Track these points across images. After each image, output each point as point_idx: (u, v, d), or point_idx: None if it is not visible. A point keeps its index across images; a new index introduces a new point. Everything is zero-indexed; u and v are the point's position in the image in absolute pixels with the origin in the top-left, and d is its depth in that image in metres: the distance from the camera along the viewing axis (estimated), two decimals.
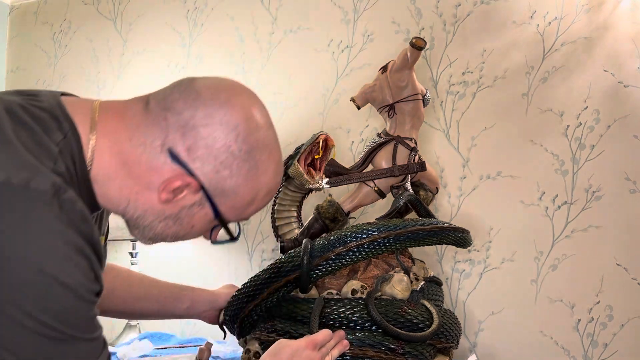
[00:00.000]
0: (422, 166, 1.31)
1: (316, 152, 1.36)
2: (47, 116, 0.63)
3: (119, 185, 0.67)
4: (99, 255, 0.61)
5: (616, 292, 1.41)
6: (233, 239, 0.76)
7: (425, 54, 1.64)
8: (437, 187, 1.41)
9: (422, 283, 1.15)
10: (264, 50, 1.84)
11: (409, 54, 1.29)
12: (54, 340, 0.53)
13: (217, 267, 1.84)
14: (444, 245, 1.57)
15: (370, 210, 1.63)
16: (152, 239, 0.73)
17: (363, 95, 1.43)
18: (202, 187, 0.67)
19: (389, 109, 1.37)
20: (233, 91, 0.70)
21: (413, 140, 1.34)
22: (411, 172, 1.31)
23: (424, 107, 1.38)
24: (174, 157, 0.65)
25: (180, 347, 1.50)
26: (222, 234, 0.76)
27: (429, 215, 1.25)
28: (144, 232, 0.72)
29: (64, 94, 0.71)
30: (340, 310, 1.03)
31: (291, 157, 1.34)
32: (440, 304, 1.17)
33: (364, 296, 1.07)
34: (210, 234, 0.76)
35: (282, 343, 0.91)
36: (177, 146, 0.66)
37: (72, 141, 0.63)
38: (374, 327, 1.01)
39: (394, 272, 1.14)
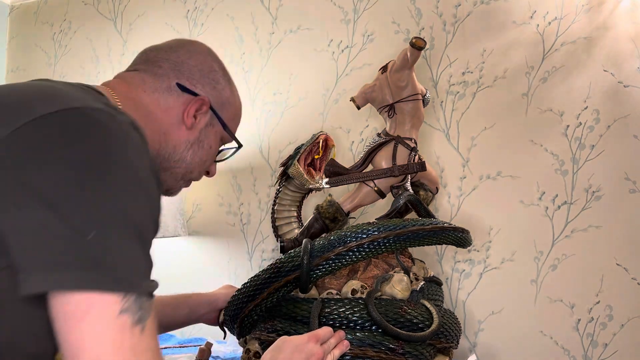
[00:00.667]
0: (422, 166, 1.31)
1: (316, 152, 1.36)
2: (87, 88, 0.73)
3: (149, 134, 0.75)
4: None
5: (616, 292, 1.41)
6: (240, 145, 0.95)
7: (425, 54, 1.64)
8: (437, 187, 1.41)
9: (422, 283, 1.14)
10: (264, 50, 1.84)
11: (409, 54, 1.29)
12: (132, 239, 0.58)
13: (217, 267, 1.84)
14: (444, 245, 1.57)
15: (370, 210, 1.63)
16: (183, 178, 0.88)
17: (363, 95, 1.43)
18: (210, 105, 0.85)
19: (389, 109, 1.37)
20: (187, 39, 0.91)
21: (413, 140, 1.34)
22: (411, 172, 1.31)
23: (423, 107, 1.38)
24: (183, 88, 0.83)
25: (180, 347, 1.50)
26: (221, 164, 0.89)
27: (429, 215, 1.25)
28: (175, 170, 0.86)
29: None
30: (340, 310, 1.03)
31: (291, 157, 1.34)
32: (440, 303, 1.17)
33: (363, 296, 1.06)
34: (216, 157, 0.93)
35: (284, 339, 0.91)
36: (181, 79, 0.83)
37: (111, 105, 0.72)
38: (373, 327, 1.01)
39: (394, 272, 1.14)
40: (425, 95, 1.38)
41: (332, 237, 1.08)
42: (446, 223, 1.16)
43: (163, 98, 0.82)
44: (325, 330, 0.95)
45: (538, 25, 1.53)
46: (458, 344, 1.17)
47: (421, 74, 1.63)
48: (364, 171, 1.34)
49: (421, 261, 1.27)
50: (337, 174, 1.33)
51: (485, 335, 1.52)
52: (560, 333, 1.45)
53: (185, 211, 1.89)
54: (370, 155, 1.35)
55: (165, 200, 1.72)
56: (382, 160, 1.33)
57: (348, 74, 1.72)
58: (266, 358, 0.89)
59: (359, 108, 1.44)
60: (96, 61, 2.14)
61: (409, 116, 1.34)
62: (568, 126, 1.48)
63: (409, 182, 1.32)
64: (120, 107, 0.75)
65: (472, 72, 1.59)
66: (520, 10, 1.55)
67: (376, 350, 0.99)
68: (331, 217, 1.33)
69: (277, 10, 1.84)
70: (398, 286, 1.09)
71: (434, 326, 1.04)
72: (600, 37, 1.47)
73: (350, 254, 1.06)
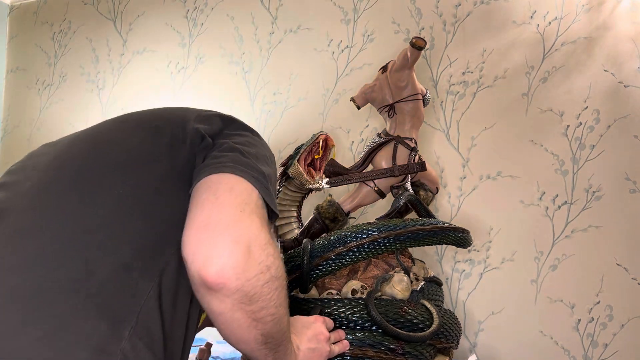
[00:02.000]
0: (422, 166, 1.31)
1: (316, 152, 1.36)
2: None
3: None
4: None
5: (616, 292, 1.41)
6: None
7: (425, 54, 1.64)
8: (437, 187, 1.41)
9: (422, 283, 1.14)
10: (264, 50, 1.84)
11: (409, 54, 1.29)
12: (271, 175, 0.79)
13: None
14: (444, 245, 1.57)
15: (370, 210, 1.63)
16: None
17: (363, 95, 1.43)
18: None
19: (389, 109, 1.37)
20: None
21: (413, 140, 1.34)
22: (411, 172, 1.31)
23: (424, 107, 1.38)
24: None
25: None
26: None
27: (429, 215, 1.25)
28: None
29: None
30: (340, 310, 1.03)
31: (291, 157, 1.34)
32: (440, 304, 1.17)
33: (364, 296, 1.06)
34: None
35: (294, 317, 0.92)
36: None
37: None
38: (374, 327, 1.01)
39: (394, 272, 1.14)
40: (426, 95, 1.38)
41: (332, 237, 1.08)
42: (446, 223, 1.16)
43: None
44: (327, 319, 0.97)
45: (538, 25, 1.53)
46: (458, 344, 1.17)
47: (421, 74, 1.63)
48: (363, 171, 1.34)
49: (421, 261, 1.26)
50: (337, 174, 1.33)
51: (485, 335, 1.52)
52: (560, 333, 1.45)
53: None
54: (370, 155, 1.35)
55: None
56: (382, 160, 1.33)
57: (348, 74, 1.72)
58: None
59: (359, 108, 1.44)
60: (96, 61, 2.13)
61: (409, 116, 1.34)
62: (568, 126, 1.48)
63: (409, 182, 1.32)
64: None
65: (472, 72, 1.58)
66: (520, 10, 1.55)
67: (376, 350, 0.99)
68: (331, 217, 1.33)
69: (277, 10, 1.84)
70: (398, 286, 1.09)
71: (434, 326, 1.03)
72: (600, 37, 1.47)
73: (350, 254, 1.06)
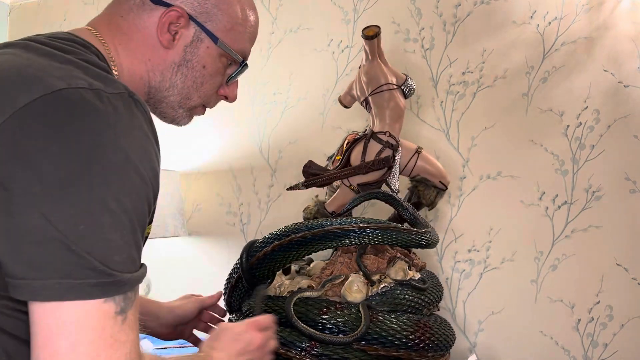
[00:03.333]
0: (386, 161, 1.26)
1: (339, 153, 1.36)
2: (73, 43, 0.67)
3: (137, 67, 0.74)
4: (159, 151, 0.66)
5: (616, 292, 1.41)
6: (243, 63, 0.81)
7: (425, 53, 1.64)
8: (442, 181, 1.35)
9: (383, 285, 1.09)
10: (264, 50, 1.84)
11: (365, 46, 1.28)
12: (122, 228, 0.56)
13: (217, 267, 1.84)
14: (444, 245, 1.57)
15: (370, 209, 1.64)
16: (180, 105, 0.79)
17: (347, 94, 1.43)
18: (189, 16, 0.74)
19: (365, 104, 1.36)
20: None
21: (388, 134, 1.28)
22: (376, 169, 1.27)
23: (407, 96, 1.33)
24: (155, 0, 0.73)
25: (180, 347, 1.50)
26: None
27: (405, 211, 1.22)
28: (170, 99, 0.77)
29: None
30: (275, 306, 1.05)
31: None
32: (409, 307, 1.09)
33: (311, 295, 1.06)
34: (227, 81, 0.83)
35: (223, 326, 0.89)
36: None
37: (102, 57, 0.69)
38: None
39: (355, 274, 1.12)
40: (404, 83, 1.32)
41: (267, 237, 1.10)
42: (383, 223, 1.10)
43: (138, 17, 0.74)
44: (267, 317, 0.92)
45: (538, 25, 1.53)
46: (439, 354, 1.10)
47: (421, 74, 1.63)
48: (332, 170, 1.33)
49: (405, 261, 1.18)
50: (314, 175, 1.33)
51: (485, 335, 1.52)
52: (560, 333, 1.45)
53: (185, 211, 1.89)
54: (346, 153, 1.33)
55: (165, 200, 1.72)
56: (354, 158, 1.30)
57: (348, 74, 1.72)
58: (204, 347, 0.85)
59: (347, 107, 1.44)
60: None
61: (386, 109, 1.30)
62: (568, 126, 1.48)
63: (394, 177, 1.28)
64: (107, 50, 0.71)
65: (472, 72, 1.58)
66: (520, 10, 1.55)
67: (287, 348, 0.98)
68: (311, 217, 1.34)
69: (277, 10, 1.84)
70: (349, 288, 1.07)
71: (357, 331, 0.99)
72: (600, 37, 1.47)
73: (275, 253, 1.07)
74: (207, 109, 0.86)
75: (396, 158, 1.29)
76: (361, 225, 1.07)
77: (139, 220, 0.59)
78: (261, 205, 1.80)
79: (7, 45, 0.66)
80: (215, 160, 1.85)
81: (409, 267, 1.17)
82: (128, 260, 0.57)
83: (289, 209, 1.72)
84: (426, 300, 1.11)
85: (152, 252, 1.86)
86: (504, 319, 1.50)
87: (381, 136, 1.29)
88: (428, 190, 1.31)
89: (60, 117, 0.54)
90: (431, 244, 1.16)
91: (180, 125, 0.83)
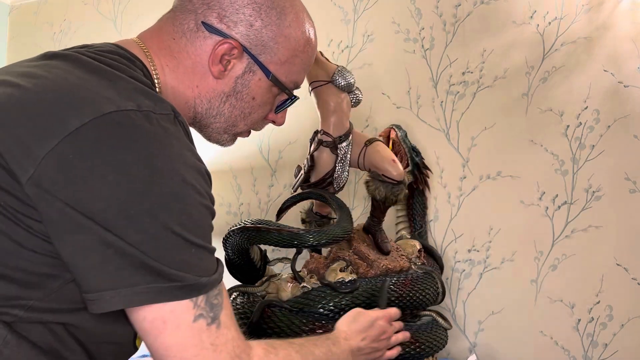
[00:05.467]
0: (310, 160, 1.23)
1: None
2: (119, 57, 0.67)
3: (183, 91, 0.73)
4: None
5: (616, 292, 1.41)
6: (292, 97, 0.81)
7: (425, 53, 1.64)
8: (385, 175, 1.18)
9: (302, 285, 1.12)
10: None
11: None
12: (189, 245, 0.58)
13: None
14: (444, 245, 1.57)
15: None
16: (226, 131, 0.79)
17: None
18: (243, 48, 0.71)
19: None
20: None
21: (321, 132, 1.22)
22: (308, 171, 1.24)
23: (343, 88, 1.22)
24: (209, 27, 0.70)
25: None
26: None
27: (340, 208, 1.21)
28: (216, 125, 0.77)
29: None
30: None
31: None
32: (322, 307, 1.09)
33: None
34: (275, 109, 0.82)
35: (359, 311, 0.94)
36: (208, 18, 0.71)
37: (147, 73, 0.69)
38: None
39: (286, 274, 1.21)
40: (333, 75, 1.21)
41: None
42: (256, 224, 1.19)
43: (190, 43, 0.71)
44: (396, 310, 0.98)
45: (538, 25, 1.53)
46: None
47: (421, 74, 1.63)
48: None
49: (345, 261, 1.18)
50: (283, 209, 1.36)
51: (485, 335, 1.52)
52: (560, 333, 1.45)
53: None
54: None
55: None
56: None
57: None
58: (341, 326, 0.90)
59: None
60: None
61: (318, 107, 1.24)
62: (568, 126, 1.48)
63: (340, 176, 1.23)
64: (153, 67, 0.70)
65: (472, 72, 1.58)
66: (520, 10, 1.54)
67: None
68: (302, 220, 1.38)
69: None
70: (278, 287, 1.15)
71: (248, 321, 1.07)
72: (600, 37, 1.47)
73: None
74: None
75: (341, 152, 1.22)
76: (232, 227, 1.21)
77: (205, 232, 0.62)
78: (261, 205, 1.80)
79: (55, 56, 0.66)
80: (215, 160, 1.85)
81: (345, 268, 1.16)
82: (201, 270, 0.60)
83: (289, 209, 1.71)
84: (349, 303, 1.08)
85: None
86: (504, 319, 1.50)
87: (315, 135, 1.25)
88: (378, 186, 1.20)
89: (112, 141, 0.55)
90: (310, 244, 1.13)
91: (224, 147, 0.84)
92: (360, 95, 1.26)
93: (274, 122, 0.85)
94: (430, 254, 1.41)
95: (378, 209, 1.25)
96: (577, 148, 1.47)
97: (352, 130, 1.25)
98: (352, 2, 1.74)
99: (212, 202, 0.63)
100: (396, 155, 1.28)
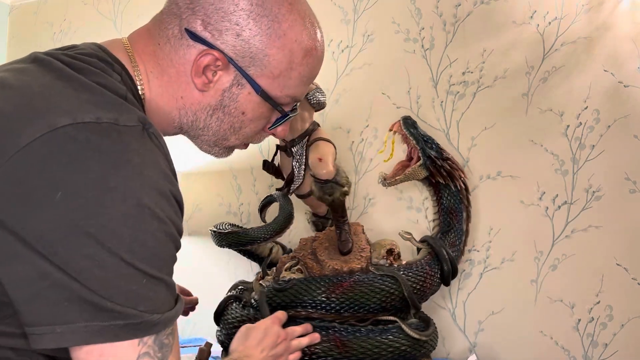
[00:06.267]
0: (263, 165, 1.29)
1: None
2: (96, 60, 0.62)
3: (167, 98, 0.67)
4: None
5: (616, 292, 1.41)
6: (285, 115, 0.73)
7: (425, 53, 1.64)
8: (314, 174, 1.16)
9: (260, 283, 1.20)
10: None
11: None
12: (141, 276, 0.53)
13: (217, 267, 1.84)
14: None
15: (370, 209, 1.64)
16: (216, 144, 0.72)
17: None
18: (229, 59, 0.64)
19: None
20: None
21: (283, 140, 1.24)
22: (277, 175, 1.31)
23: (313, 105, 1.25)
24: (192, 35, 0.64)
25: (180, 347, 1.50)
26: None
27: (282, 210, 1.30)
28: (205, 138, 0.71)
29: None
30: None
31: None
32: (268, 301, 1.14)
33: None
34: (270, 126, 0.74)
35: (248, 326, 0.94)
36: (191, 23, 0.64)
37: (127, 78, 0.64)
38: None
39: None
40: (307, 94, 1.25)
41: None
42: (233, 227, 1.37)
43: (174, 51, 0.65)
44: (283, 313, 1.00)
45: (538, 25, 1.53)
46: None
47: (421, 74, 1.63)
48: None
49: (298, 259, 1.23)
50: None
51: (485, 335, 1.52)
52: (560, 333, 1.45)
53: (185, 211, 1.89)
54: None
55: None
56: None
57: (348, 74, 1.72)
58: (236, 347, 0.91)
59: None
60: None
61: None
62: (568, 126, 1.48)
63: (296, 177, 1.25)
64: (136, 71, 0.65)
65: (472, 72, 1.58)
66: (520, 10, 1.54)
67: None
68: (308, 220, 1.44)
69: None
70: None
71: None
72: (600, 37, 1.47)
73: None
74: None
75: (296, 155, 1.24)
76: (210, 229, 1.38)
77: (162, 262, 0.55)
78: None
79: (35, 59, 0.62)
80: (215, 160, 1.84)
81: (290, 267, 1.22)
82: (153, 304, 0.54)
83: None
84: (280, 302, 1.13)
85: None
86: (504, 319, 1.50)
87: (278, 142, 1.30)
88: (312, 186, 1.19)
89: (62, 158, 0.50)
90: (255, 240, 1.29)
91: (222, 158, 0.78)
92: (320, 97, 1.23)
93: (273, 135, 0.78)
94: (437, 257, 1.27)
95: (331, 209, 1.24)
96: (577, 148, 1.47)
97: (312, 131, 1.23)
98: (352, 2, 1.74)
99: (178, 229, 0.57)
100: (407, 149, 1.31)
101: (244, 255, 1.42)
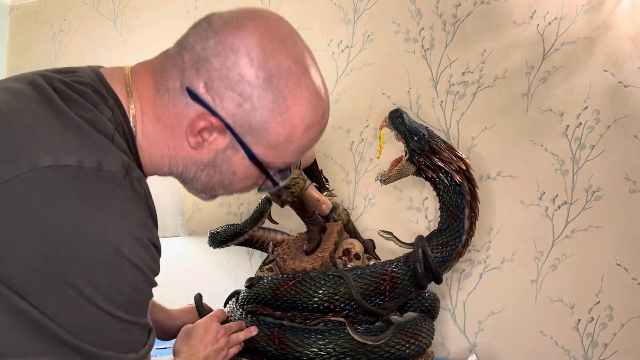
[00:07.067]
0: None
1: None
2: (90, 91, 0.61)
3: (159, 144, 0.66)
4: (157, 228, 0.62)
5: (616, 292, 1.41)
6: (275, 183, 0.71)
7: (425, 53, 1.64)
8: (322, 212, 1.25)
9: (253, 277, 1.24)
10: None
11: None
12: (117, 322, 0.54)
13: (217, 267, 1.84)
14: None
15: (370, 209, 1.63)
16: (204, 192, 0.71)
17: None
18: (227, 126, 0.62)
19: None
20: (248, 14, 0.64)
21: None
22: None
23: None
24: (193, 95, 0.62)
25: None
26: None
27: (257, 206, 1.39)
28: (193, 185, 0.70)
29: (100, 67, 0.69)
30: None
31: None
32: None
33: None
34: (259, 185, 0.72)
35: (188, 327, 1.00)
36: (194, 83, 0.61)
37: (119, 115, 0.62)
38: None
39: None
40: None
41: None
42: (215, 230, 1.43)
43: (172, 103, 0.63)
44: (221, 310, 1.06)
45: (538, 25, 1.53)
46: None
47: (421, 74, 1.63)
48: None
49: (271, 259, 1.30)
50: None
51: (485, 335, 1.52)
52: (560, 333, 1.45)
53: (185, 211, 1.89)
54: None
55: (165, 200, 1.72)
56: None
57: (348, 74, 1.72)
58: (180, 347, 0.96)
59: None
60: (96, 61, 2.13)
61: None
62: (568, 126, 1.48)
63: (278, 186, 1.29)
64: (131, 109, 0.64)
65: (472, 72, 1.58)
66: (520, 10, 1.54)
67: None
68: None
69: (277, 10, 1.84)
70: None
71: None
72: (600, 37, 1.47)
73: None
74: None
75: None
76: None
77: (138, 307, 0.56)
78: None
79: (32, 82, 0.61)
80: None
81: (262, 265, 1.31)
82: (129, 346, 0.55)
83: (289, 209, 1.72)
84: (249, 297, 1.20)
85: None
86: (504, 319, 1.50)
87: None
88: (295, 189, 1.24)
89: (42, 200, 0.50)
90: (225, 239, 1.40)
91: (212, 200, 0.76)
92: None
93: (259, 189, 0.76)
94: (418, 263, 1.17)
95: (293, 209, 1.29)
96: (577, 148, 1.47)
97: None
98: (352, 2, 1.74)
99: (155, 273, 0.58)
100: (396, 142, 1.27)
101: (252, 247, 1.47)
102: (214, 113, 0.62)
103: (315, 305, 1.10)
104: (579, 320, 1.43)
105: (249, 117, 0.62)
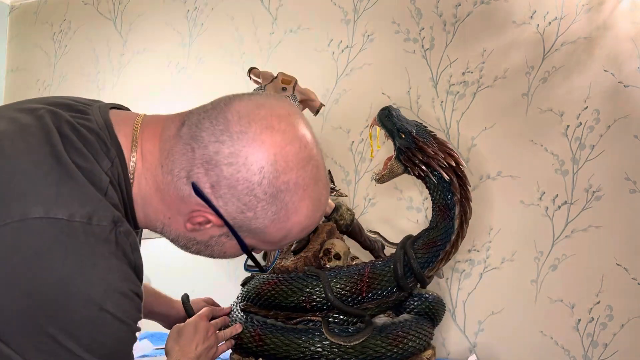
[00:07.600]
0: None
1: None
2: (95, 139, 0.62)
3: (154, 208, 0.67)
4: (141, 279, 0.63)
5: (616, 292, 1.40)
6: (262, 270, 0.75)
7: (425, 53, 1.64)
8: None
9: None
10: (264, 50, 1.84)
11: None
12: None
13: (217, 267, 1.84)
14: None
15: (370, 209, 1.64)
16: (190, 253, 0.73)
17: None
18: (226, 224, 0.64)
19: None
20: (266, 123, 0.62)
21: None
22: None
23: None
24: (198, 192, 0.62)
25: None
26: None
27: None
28: (181, 248, 0.72)
29: (113, 106, 0.69)
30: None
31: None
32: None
33: None
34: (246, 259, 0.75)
35: (178, 326, 1.02)
36: (201, 181, 0.62)
37: (118, 165, 0.63)
38: None
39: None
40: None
41: None
42: None
43: (174, 187, 0.63)
44: (208, 309, 1.08)
45: (538, 25, 1.53)
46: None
47: (421, 74, 1.63)
48: None
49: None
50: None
51: (485, 335, 1.52)
52: (560, 333, 1.45)
53: None
54: None
55: None
56: None
57: (348, 74, 1.72)
58: (172, 346, 0.98)
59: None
60: (96, 61, 2.13)
61: None
62: (568, 126, 1.48)
63: None
64: (132, 165, 0.65)
65: (472, 72, 1.58)
66: (520, 10, 1.55)
67: None
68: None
69: (277, 10, 1.84)
70: None
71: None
72: (600, 37, 1.47)
73: None
74: None
75: None
76: None
77: (123, 354, 0.59)
78: None
79: (41, 118, 0.61)
80: None
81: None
82: None
83: None
84: (244, 293, 1.22)
85: (152, 252, 1.86)
86: (504, 319, 1.50)
87: None
88: None
89: (29, 252, 0.52)
90: None
91: None
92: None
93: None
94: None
95: None
96: (577, 148, 1.47)
97: None
98: (352, 2, 1.74)
99: (137, 321, 0.60)
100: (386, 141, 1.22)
101: None
102: (216, 212, 0.63)
103: (292, 305, 1.11)
104: (579, 320, 1.43)
105: (249, 222, 0.64)
